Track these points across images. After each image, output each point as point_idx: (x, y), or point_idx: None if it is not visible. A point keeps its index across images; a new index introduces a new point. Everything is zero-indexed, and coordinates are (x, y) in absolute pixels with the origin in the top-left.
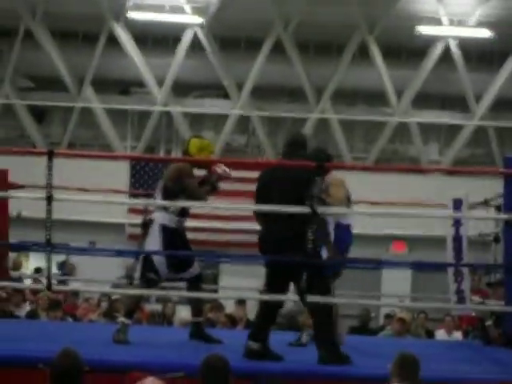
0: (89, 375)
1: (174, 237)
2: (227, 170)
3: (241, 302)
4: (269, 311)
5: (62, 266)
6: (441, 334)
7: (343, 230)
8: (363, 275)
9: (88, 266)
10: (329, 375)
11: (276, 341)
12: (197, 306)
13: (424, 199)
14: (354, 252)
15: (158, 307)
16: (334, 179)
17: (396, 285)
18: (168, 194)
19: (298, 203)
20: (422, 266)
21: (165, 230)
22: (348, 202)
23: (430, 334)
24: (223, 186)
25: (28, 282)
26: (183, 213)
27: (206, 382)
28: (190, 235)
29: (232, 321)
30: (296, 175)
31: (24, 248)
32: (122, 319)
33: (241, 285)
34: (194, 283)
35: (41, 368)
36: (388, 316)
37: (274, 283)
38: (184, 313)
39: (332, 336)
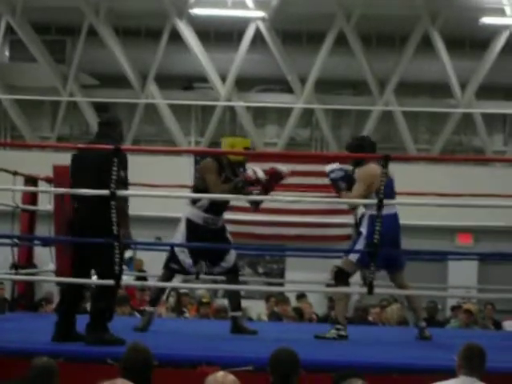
0: (158, 370)
1: (197, 231)
2: (260, 173)
3: (301, 296)
4: (71, 297)
5: (129, 261)
6: (509, 325)
7: (386, 221)
8: (430, 267)
9: (155, 261)
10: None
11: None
12: (235, 300)
13: (489, 190)
14: (420, 243)
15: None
16: (358, 173)
17: (462, 276)
18: (195, 190)
19: (101, 185)
20: (488, 257)
21: (189, 223)
22: (377, 193)
23: (498, 326)
24: (289, 179)
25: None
26: (213, 209)
27: (276, 376)
28: (250, 229)
29: (300, 314)
30: (97, 158)
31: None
32: (146, 308)
33: (306, 278)
34: (230, 277)
35: (110, 363)
36: (455, 308)
37: (81, 266)
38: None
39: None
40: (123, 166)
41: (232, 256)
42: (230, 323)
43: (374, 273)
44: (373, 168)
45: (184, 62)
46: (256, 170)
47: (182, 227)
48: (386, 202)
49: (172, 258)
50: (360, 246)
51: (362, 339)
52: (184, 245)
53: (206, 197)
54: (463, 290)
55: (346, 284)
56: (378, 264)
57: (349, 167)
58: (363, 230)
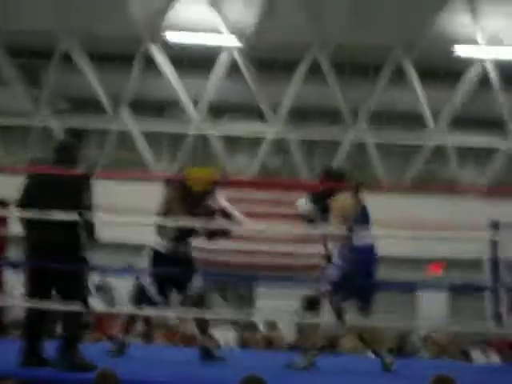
0: None
1: (160, 260)
2: (222, 204)
3: (271, 325)
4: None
5: (99, 287)
6: (478, 356)
7: (359, 252)
8: (400, 297)
9: (125, 287)
10: None
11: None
12: (202, 327)
13: (461, 221)
14: (391, 274)
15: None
16: (333, 204)
17: (433, 307)
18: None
19: (72, 209)
20: (458, 289)
21: (152, 252)
22: (348, 221)
23: (467, 356)
24: (259, 207)
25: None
26: (176, 237)
27: None
28: (220, 256)
29: (268, 342)
30: (68, 182)
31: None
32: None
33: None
34: (196, 304)
35: None
36: (425, 339)
37: (40, 289)
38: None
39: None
40: (90, 191)
41: (197, 283)
42: (198, 350)
43: (342, 302)
44: (346, 198)
45: (157, 87)
46: (219, 200)
47: (147, 257)
48: (359, 232)
49: (139, 290)
50: (333, 275)
51: (331, 369)
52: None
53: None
54: (432, 321)
55: (317, 312)
56: (347, 294)
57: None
58: (336, 259)
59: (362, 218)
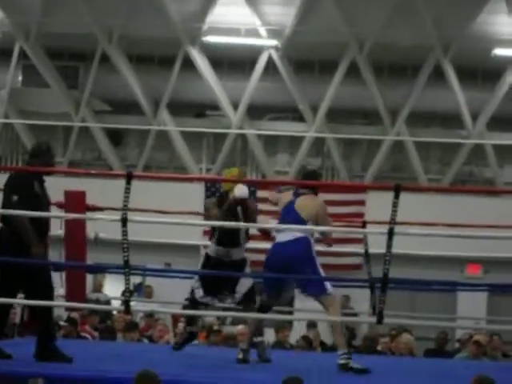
0: None
1: (211, 264)
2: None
3: (311, 325)
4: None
5: (138, 287)
6: None
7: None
8: (439, 297)
9: (164, 287)
10: None
11: None
12: (254, 327)
13: (500, 221)
14: (430, 274)
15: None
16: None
17: (472, 307)
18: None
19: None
20: (497, 288)
21: (206, 257)
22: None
23: (507, 357)
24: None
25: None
26: (222, 242)
27: None
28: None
29: (308, 343)
30: (9, 182)
31: (102, 270)
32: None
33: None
34: (244, 306)
35: None
36: (465, 339)
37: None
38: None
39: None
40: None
41: (243, 287)
42: (239, 351)
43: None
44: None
45: (196, 89)
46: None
47: (201, 260)
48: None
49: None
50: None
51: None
52: (190, 271)
53: (206, 224)
54: (472, 321)
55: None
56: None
57: None
58: None
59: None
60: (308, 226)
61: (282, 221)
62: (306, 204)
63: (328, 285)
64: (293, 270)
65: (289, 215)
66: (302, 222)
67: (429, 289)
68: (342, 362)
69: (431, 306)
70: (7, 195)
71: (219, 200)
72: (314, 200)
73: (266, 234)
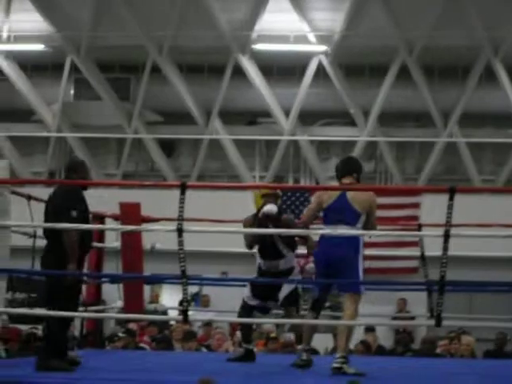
0: None
1: (260, 275)
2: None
3: (369, 330)
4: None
5: (195, 297)
6: None
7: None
8: (497, 298)
9: (220, 296)
10: None
11: None
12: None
13: None
14: (486, 275)
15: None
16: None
17: None
18: None
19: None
20: None
21: (258, 268)
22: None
23: None
24: None
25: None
26: (262, 255)
27: None
28: None
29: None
30: (55, 201)
31: (159, 281)
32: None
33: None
34: (286, 310)
35: None
36: None
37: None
38: None
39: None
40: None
41: (284, 291)
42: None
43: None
44: None
45: (247, 97)
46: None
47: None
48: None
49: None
50: None
51: (430, 372)
52: (247, 279)
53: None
54: None
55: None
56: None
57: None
58: None
59: None
60: (358, 231)
61: (335, 215)
62: (359, 196)
63: (362, 286)
64: (341, 268)
65: (343, 209)
66: (358, 215)
67: (486, 290)
68: (337, 365)
69: (489, 307)
70: (65, 211)
71: (254, 217)
72: (364, 192)
73: (303, 239)
